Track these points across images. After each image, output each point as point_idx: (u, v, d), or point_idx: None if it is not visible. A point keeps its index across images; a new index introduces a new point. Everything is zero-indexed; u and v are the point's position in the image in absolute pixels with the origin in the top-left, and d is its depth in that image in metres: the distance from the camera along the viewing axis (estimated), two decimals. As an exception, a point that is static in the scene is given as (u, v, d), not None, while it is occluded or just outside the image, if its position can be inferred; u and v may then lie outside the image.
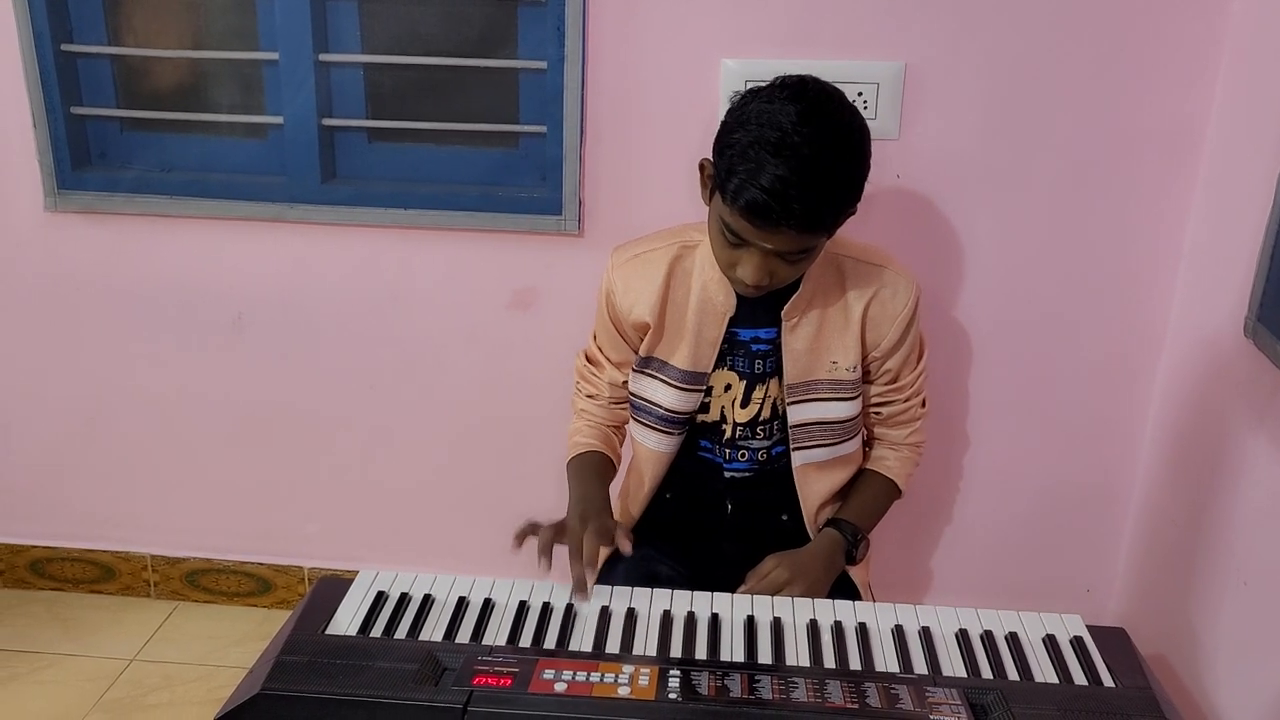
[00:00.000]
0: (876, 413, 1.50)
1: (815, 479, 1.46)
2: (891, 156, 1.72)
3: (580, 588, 1.25)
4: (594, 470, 1.46)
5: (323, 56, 1.80)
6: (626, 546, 1.30)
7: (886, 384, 1.47)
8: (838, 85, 1.26)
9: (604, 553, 1.36)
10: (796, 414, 1.41)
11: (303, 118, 1.82)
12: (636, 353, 1.46)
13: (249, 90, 1.88)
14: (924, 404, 1.53)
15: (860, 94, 1.68)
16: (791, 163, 1.15)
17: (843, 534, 1.43)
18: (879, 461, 1.52)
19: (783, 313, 1.37)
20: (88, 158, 1.93)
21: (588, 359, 1.55)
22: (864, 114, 1.67)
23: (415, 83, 1.86)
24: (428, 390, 1.99)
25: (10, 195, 1.93)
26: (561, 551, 1.30)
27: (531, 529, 1.32)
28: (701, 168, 1.31)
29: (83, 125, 1.91)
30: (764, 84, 1.24)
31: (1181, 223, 1.71)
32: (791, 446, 1.44)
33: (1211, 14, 1.60)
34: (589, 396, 1.54)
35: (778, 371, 1.41)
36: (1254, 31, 1.54)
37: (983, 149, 1.71)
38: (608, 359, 1.51)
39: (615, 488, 1.52)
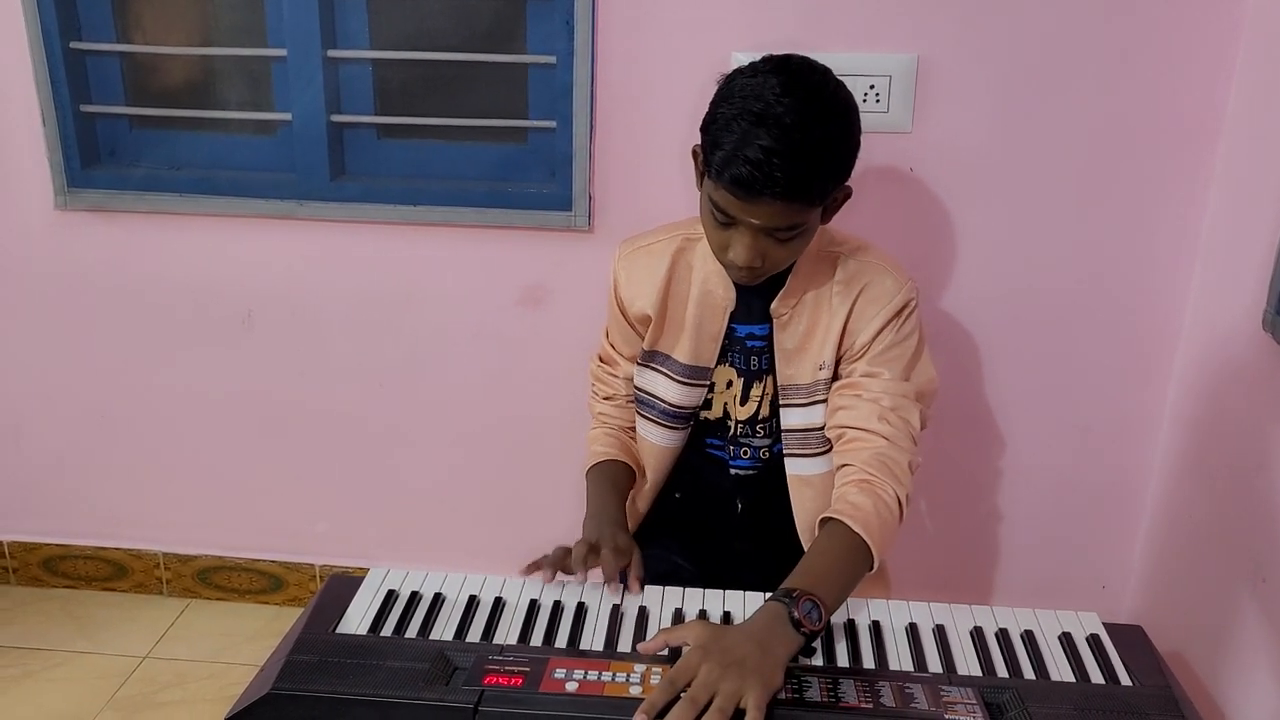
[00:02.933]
0: (838, 429, 1.33)
1: (809, 497, 1.41)
2: (904, 150, 1.71)
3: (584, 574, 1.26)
4: (611, 482, 1.44)
5: (331, 53, 1.80)
6: (636, 588, 1.26)
7: (848, 380, 1.34)
8: (849, 78, 1.25)
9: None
10: (787, 418, 1.39)
11: (311, 114, 1.82)
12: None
13: (258, 87, 1.88)
14: (905, 443, 1.29)
15: (872, 86, 1.66)
16: (774, 131, 1.14)
17: (780, 601, 1.12)
18: (833, 504, 1.27)
19: (771, 308, 1.35)
20: (97, 156, 1.93)
21: (601, 359, 1.54)
22: (876, 107, 1.69)
23: (424, 78, 1.86)
24: (438, 387, 1.99)
25: (20, 193, 1.93)
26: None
27: (535, 566, 1.27)
28: (694, 154, 1.30)
29: (92, 123, 1.91)
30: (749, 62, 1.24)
31: (1198, 216, 1.69)
32: (784, 451, 1.42)
33: (1228, 7, 1.58)
34: (605, 399, 1.53)
35: (773, 369, 1.39)
36: (1271, 24, 1.53)
37: (996, 142, 1.69)
38: (621, 355, 1.50)
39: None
